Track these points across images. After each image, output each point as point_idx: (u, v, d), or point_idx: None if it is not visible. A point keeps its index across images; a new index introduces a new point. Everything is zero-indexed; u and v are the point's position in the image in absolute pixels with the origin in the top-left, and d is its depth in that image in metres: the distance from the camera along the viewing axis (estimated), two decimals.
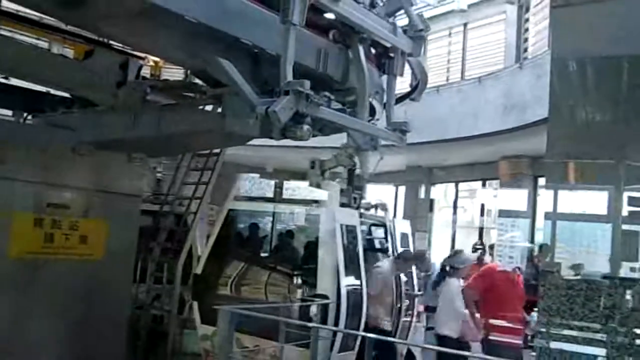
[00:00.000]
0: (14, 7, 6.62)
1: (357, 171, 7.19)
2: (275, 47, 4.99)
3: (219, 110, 5.80)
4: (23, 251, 6.19)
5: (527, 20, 13.96)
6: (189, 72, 7.39)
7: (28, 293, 6.19)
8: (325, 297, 6.18)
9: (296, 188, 7.37)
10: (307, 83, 4.60)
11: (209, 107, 6.31)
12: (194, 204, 8.71)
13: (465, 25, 15.86)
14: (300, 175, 7.49)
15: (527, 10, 13.93)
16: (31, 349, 6.17)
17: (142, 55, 7.52)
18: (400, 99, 7.09)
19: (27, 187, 6.28)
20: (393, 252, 7.63)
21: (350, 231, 6.55)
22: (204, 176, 8.59)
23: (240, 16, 5.01)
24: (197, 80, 6.74)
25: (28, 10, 6.48)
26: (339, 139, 7.05)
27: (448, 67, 16.38)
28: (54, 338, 6.37)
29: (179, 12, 4.53)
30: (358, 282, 6.49)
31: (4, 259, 6.04)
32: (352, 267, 6.43)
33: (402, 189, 18.75)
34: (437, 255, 16.87)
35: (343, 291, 6.23)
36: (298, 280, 7.11)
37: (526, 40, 13.86)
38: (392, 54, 6.37)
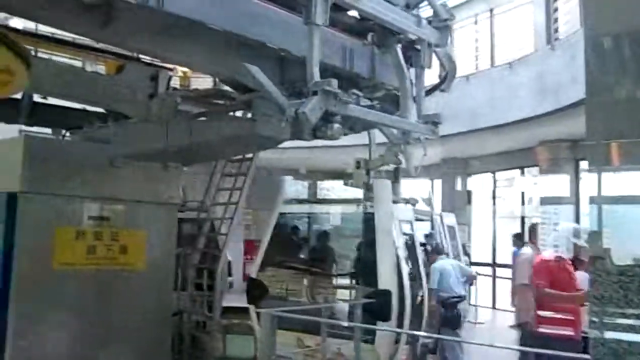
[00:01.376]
0: (49, 30, 6.83)
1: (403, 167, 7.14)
2: (301, 48, 5.01)
3: (249, 115, 5.85)
4: (66, 263, 6.36)
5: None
6: (217, 79, 7.49)
7: (72, 304, 6.35)
8: (388, 292, 6.17)
9: (331, 188, 7.38)
10: (335, 82, 4.62)
11: (239, 113, 6.37)
12: (229, 209, 8.79)
13: (491, 11, 15.62)
14: (334, 175, 7.48)
15: None
16: (76, 358, 6.33)
17: (171, 66, 7.65)
18: (430, 90, 7.04)
19: (68, 202, 6.45)
20: (441, 245, 7.56)
21: (407, 226, 6.59)
22: (238, 181, 8.66)
23: (264, 21, 5.06)
24: (226, 87, 6.82)
25: (62, 32, 6.66)
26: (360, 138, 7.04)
27: (477, 54, 16.15)
28: (99, 348, 6.52)
29: (203, 22, 4.59)
30: (418, 276, 6.51)
31: (48, 272, 6.21)
32: (412, 262, 6.47)
33: (437, 182, 18.56)
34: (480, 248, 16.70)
35: (406, 286, 6.24)
36: (354, 279, 7.11)
37: (556, 20, 13.55)
38: (418, 46, 6.32)
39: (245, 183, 8.62)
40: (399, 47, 6.06)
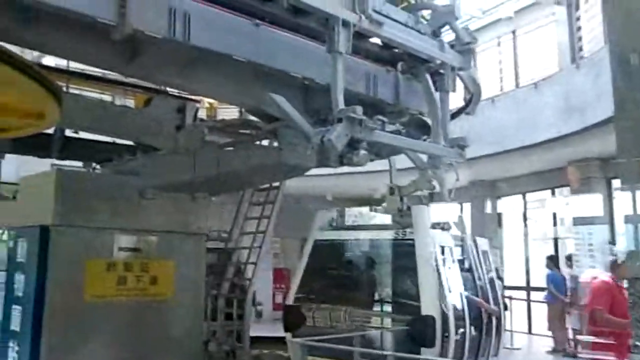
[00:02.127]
0: (79, 66, 7.02)
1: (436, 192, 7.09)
2: (325, 76, 5.05)
3: (275, 144, 5.89)
4: (97, 295, 6.41)
5: (578, 18, 13.57)
6: (243, 110, 7.58)
7: (104, 336, 6.39)
8: (431, 318, 6.09)
9: (359, 214, 7.35)
10: (360, 109, 4.63)
11: (265, 142, 6.42)
12: (257, 238, 8.81)
13: (513, 32, 15.58)
14: (361, 202, 7.45)
15: (577, 8, 13.56)
16: None
17: (198, 98, 7.77)
18: (456, 114, 7.01)
19: (98, 234, 6.54)
20: (475, 270, 7.42)
21: (447, 252, 6.52)
22: (265, 210, 8.69)
23: (288, 51, 5.12)
24: (252, 117, 6.89)
25: (92, 68, 6.84)
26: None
27: (501, 76, 16.08)
28: None
29: (228, 54, 4.66)
30: (461, 300, 6.41)
31: (80, 304, 6.27)
32: (453, 286, 6.37)
33: (467, 206, 18.34)
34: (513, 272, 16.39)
35: (450, 311, 6.15)
36: (393, 306, 7.02)
37: (580, 38, 13.44)
38: (442, 71, 6.32)
39: (273, 211, 8.65)
40: (427, 74, 6.10)
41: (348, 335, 6.09)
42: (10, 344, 6.46)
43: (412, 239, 6.48)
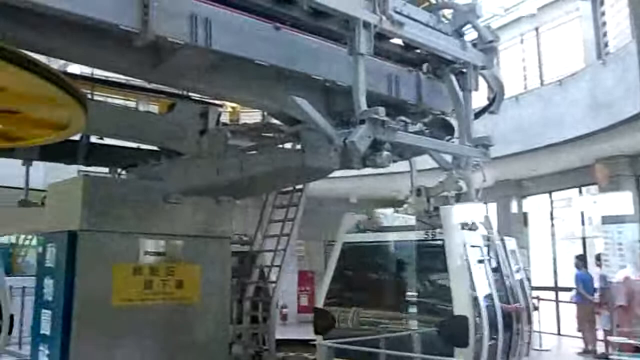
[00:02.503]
0: (103, 73, 7.12)
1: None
2: (346, 78, 5.04)
3: (298, 146, 5.89)
4: (125, 299, 6.48)
5: (603, 13, 13.34)
6: (266, 113, 7.60)
7: (131, 339, 6.45)
8: (464, 318, 6.05)
9: (383, 216, 7.31)
10: (382, 110, 4.61)
11: (288, 145, 6.42)
12: (281, 240, 8.82)
13: (537, 29, 15.38)
14: (385, 203, 7.41)
15: (602, 3, 13.33)
16: None
17: (220, 102, 7.82)
18: (479, 113, 6.95)
19: (125, 238, 6.61)
20: (503, 270, 7.34)
21: (476, 252, 6.47)
22: (289, 213, 8.70)
23: (309, 53, 5.12)
24: (274, 121, 6.91)
25: (115, 75, 6.93)
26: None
27: (525, 74, 15.89)
28: None
29: (249, 58, 4.68)
30: (492, 299, 6.36)
31: (107, 307, 6.35)
32: (484, 286, 6.33)
33: (492, 206, 18.15)
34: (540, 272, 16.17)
35: (484, 310, 6.11)
36: (421, 307, 6.97)
37: (605, 34, 13.21)
38: (464, 70, 6.28)
39: (297, 214, 8.65)
40: (452, 75, 6.08)
41: (377, 337, 6.06)
42: (41, 348, 6.57)
43: (442, 240, 6.43)
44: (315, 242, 18.43)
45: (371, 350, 5.76)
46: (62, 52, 4.82)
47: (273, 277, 8.84)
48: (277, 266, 8.77)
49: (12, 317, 6.56)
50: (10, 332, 6.55)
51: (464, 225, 6.52)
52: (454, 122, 6.55)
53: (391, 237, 7.03)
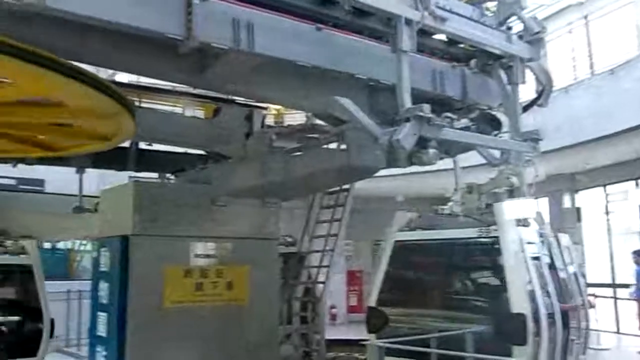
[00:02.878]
0: (150, 80, 7.28)
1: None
2: (390, 76, 5.00)
3: (343, 146, 5.88)
4: (176, 301, 6.61)
5: None
6: (309, 114, 7.62)
7: (183, 339, 6.57)
8: (522, 316, 5.95)
9: (433, 214, 7.21)
10: (427, 107, 4.56)
11: (332, 145, 6.42)
12: (329, 241, 8.82)
13: (585, 17, 14.93)
14: (433, 201, 7.32)
15: None
16: None
17: (264, 105, 7.88)
18: (528, 106, 6.79)
19: (175, 242, 6.74)
20: (558, 266, 7.15)
21: (531, 248, 6.35)
22: (336, 213, 8.69)
23: (352, 53, 5.11)
24: (318, 121, 6.91)
25: (161, 82, 7.08)
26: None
27: (574, 64, 15.43)
28: None
29: (292, 60, 4.70)
30: (549, 297, 6.23)
31: (159, 310, 6.48)
32: (542, 282, 6.20)
33: (543, 201, 17.70)
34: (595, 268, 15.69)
35: (542, 307, 6.00)
36: (476, 305, 6.87)
37: None
38: (510, 63, 6.14)
39: (344, 214, 8.64)
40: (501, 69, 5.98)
41: (430, 336, 5.99)
42: (98, 349, 6.77)
43: (497, 237, 6.32)
44: (363, 241, 18.38)
45: (424, 350, 5.70)
46: (109, 61, 4.95)
47: (321, 278, 8.85)
48: (325, 266, 8.78)
49: (52, 321, 6.77)
50: (51, 336, 6.76)
51: (518, 222, 6.38)
52: (501, 116, 6.41)
53: (443, 234, 6.93)
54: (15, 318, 7.09)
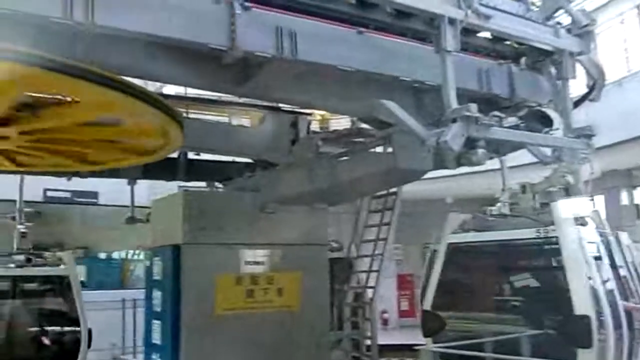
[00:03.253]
0: (196, 91, 7.42)
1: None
2: (435, 77, 4.93)
3: (390, 150, 5.83)
4: (228, 308, 6.69)
5: None
6: (355, 118, 7.60)
7: (235, 346, 6.64)
8: (586, 318, 5.78)
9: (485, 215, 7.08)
10: (474, 107, 4.47)
11: (379, 149, 6.38)
12: (378, 245, 8.77)
13: (638, 7, 14.42)
14: (483, 202, 7.17)
15: None
16: None
17: (309, 111, 7.90)
18: (579, 101, 6.59)
19: (226, 250, 6.82)
20: (620, 266, 6.91)
21: (592, 248, 6.18)
22: (384, 217, 8.64)
23: (395, 55, 5.06)
24: (364, 125, 6.88)
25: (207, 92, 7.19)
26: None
27: (627, 56, 14.91)
28: None
29: (335, 65, 4.69)
30: (613, 297, 6.03)
31: (211, 317, 6.57)
32: (603, 283, 6.02)
33: (599, 198, 17.14)
34: None
35: (605, 309, 5.82)
36: (535, 307, 6.71)
37: None
38: (559, 58, 5.98)
39: (393, 218, 8.58)
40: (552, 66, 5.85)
41: (488, 340, 5.87)
42: (153, 356, 6.91)
43: (556, 237, 6.14)
44: (412, 245, 18.20)
45: (480, 355, 5.58)
46: (158, 75, 5.05)
47: (371, 282, 8.80)
48: (375, 271, 8.73)
49: (90, 331, 6.89)
50: (89, 346, 6.87)
51: (576, 220, 6.19)
52: (551, 113, 6.23)
53: (499, 236, 6.78)
54: (54, 329, 7.23)
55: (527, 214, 6.38)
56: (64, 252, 7.52)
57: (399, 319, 18.44)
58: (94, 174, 7.34)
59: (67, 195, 13.61)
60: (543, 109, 6.49)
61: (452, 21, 4.62)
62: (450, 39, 4.57)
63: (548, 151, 6.43)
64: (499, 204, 6.90)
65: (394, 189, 8.45)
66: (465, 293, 7.33)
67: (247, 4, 4.22)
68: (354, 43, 4.82)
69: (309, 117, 7.87)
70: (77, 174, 7.23)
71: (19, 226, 7.82)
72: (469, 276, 7.63)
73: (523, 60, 6.11)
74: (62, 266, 7.27)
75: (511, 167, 7.81)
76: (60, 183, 8.30)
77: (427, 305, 7.00)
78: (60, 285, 7.27)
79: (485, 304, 6.98)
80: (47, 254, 7.51)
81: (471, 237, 6.92)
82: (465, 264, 7.56)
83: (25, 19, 3.47)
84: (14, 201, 8.27)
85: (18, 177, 8.07)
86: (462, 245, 7.12)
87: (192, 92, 7.88)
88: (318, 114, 9.55)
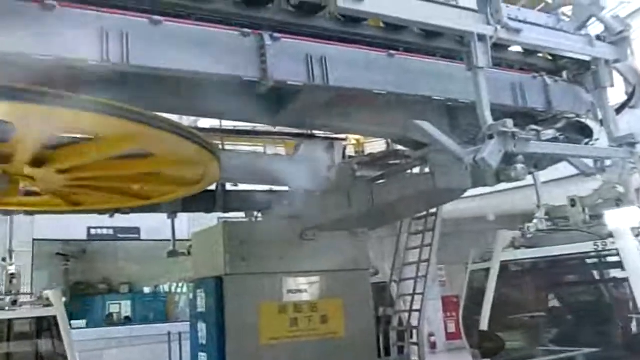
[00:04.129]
0: (231, 123, 7.53)
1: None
2: (468, 94, 4.89)
3: (427, 170, 5.79)
4: (272, 337, 6.66)
5: None
6: (389, 141, 7.58)
7: None
8: None
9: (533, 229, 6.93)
10: (510, 122, 4.41)
11: (416, 170, 6.33)
12: (421, 267, 8.66)
13: None
14: (525, 218, 7.03)
15: None
16: None
17: (344, 136, 7.92)
18: (618, 110, 6.44)
19: (268, 279, 6.83)
20: None
21: None
22: (426, 238, 8.54)
23: (426, 75, 5.05)
24: (399, 147, 6.85)
25: (242, 124, 7.29)
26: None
27: None
28: None
29: (367, 89, 4.70)
30: None
31: (257, 347, 6.55)
32: None
33: None
34: None
35: None
36: (597, 323, 6.49)
37: None
38: (594, 67, 5.87)
39: (434, 238, 8.47)
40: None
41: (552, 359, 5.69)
42: None
43: (616, 249, 5.95)
44: (456, 265, 17.89)
45: None
46: (192, 109, 5.14)
47: (416, 306, 8.67)
48: (419, 294, 8.60)
49: None
50: None
51: (633, 231, 6.01)
52: (591, 123, 6.11)
53: (554, 251, 6.61)
54: None
55: (579, 228, 6.22)
56: (51, 291, 7.37)
57: (446, 341, 18.06)
58: (134, 210, 7.47)
59: (110, 232, 13.92)
60: (582, 120, 6.38)
61: (481, 37, 4.59)
62: (481, 56, 4.54)
63: (590, 162, 6.29)
64: (534, 221, 6.75)
65: (433, 209, 8.36)
66: (521, 310, 7.13)
67: (276, 34, 4.28)
68: (385, 66, 4.83)
69: (344, 142, 7.89)
70: (119, 210, 7.37)
71: (9, 267, 7.75)
72: (523, 293, 7.43)
73: (564, 74, 6.03)
74: (49, 307, 7.08)
75: (552, 181, 7.66)
76: (104, 221, 8.45)
77: (484, 325, 6.82)
78: (48, 326, 7.10)
79: (542, 321, 6.78)
80: (33, 295, 7.45)
81: (525, 253, 6.75)
82: (519, 281, 7.38)
83: (61, 62, 3.56)
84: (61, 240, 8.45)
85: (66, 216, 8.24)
86: (515, 263, 6.95)
87: (226, 124, 8.00)
88: (353, 138, 9.56)
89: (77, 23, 3.56)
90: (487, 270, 6.93)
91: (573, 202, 6.43)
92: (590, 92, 6.00)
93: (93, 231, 13.86)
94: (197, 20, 4.12)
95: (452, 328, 18.36)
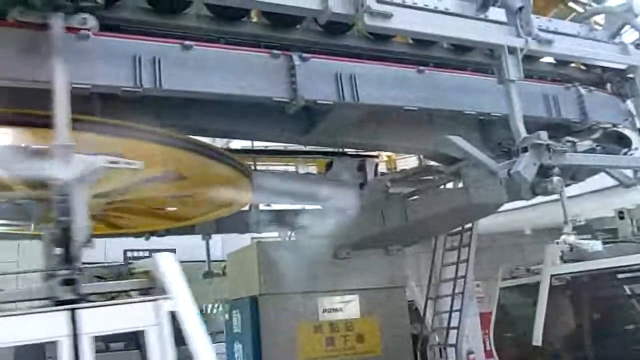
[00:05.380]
0: (263, 144, 7.59)
1: None
2: (500, 107, 4.84)
3: (461, 185, 5.72)
4: (309, 357, 6.61)
5: None
6: (422, 156, 7.53)
7: None
8: None
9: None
10: (544, 134, 4.33)
11: (449, 185, 6.27)
12: (458, 283, 8.51)
13: None
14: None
15: None
16: None
17: (376, 153, 7.90)
18: None
19: (303, 298, 6.80)
20: None
21: None
22: (462, 254, 8.40)
23: (457, 90, 5.01)
24: (431, 163, 6.80)
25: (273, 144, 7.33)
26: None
27: None
28: None
29: (397, 106, 4.68)
30: None
31: None
32: None
33: None
34: None
35: None
36: None
37: None
38: (630, 75, 5.75)
39: (470, 254, 8.34)
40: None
41: None
42: None
43: None
44: (493, 281, 17.54)
45: None
46: (226, 132, 5.20)
47: (454, 323, 8.51)
48: (457, 311, 8.45)
49: None
50: None
51: None
52: (629, 132, 5.97)
53: (606, 263, 6.44)
54: None
55: (630, 239, 6.07)
56: None
57: (486, 359, 17.68)
58: (170, 232, 7.55)
59: (146, 254, 14.07)
60: (619, 130, 6.24)
61: (512, 50, 4.54)
62: (512, 68, 4.48)
63: (630, 173, 6.13)
64: (563, 237, 6.57)
65: (469, 224, 8.24)
66: (574, 325, 6.94)
67: (305, 55, 4.30)
68: (415, 82, 4.81)
69: (375, 159, 7.86)
70: (154, 233, 7.46)
71: None
72: (575, 307, 7.23)
73: (608, 86, 5.93)
74: None
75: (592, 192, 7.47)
76: (140, 243, 8.55)
77: (537, 341, 6.64)
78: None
79: (596, 336, 6.58)
80: None
81: (573, 267, 6.58)
82: (572, 294, 7.18)
83: (95, 89, 3.64)
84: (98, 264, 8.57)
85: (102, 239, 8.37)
86: (565, 276, 6.77)
87: (258, 144, 8.06)
88: (384, 155, 9.53)
89: (110, 51, 3.64)
90: (518, 287, 6.79)
91: (621, 214, 6.28)
92: (621, 101, 5.87)
93: (129, 254, 14.04)
94: (226, 44, 4.18)
95: (489, 345, 17.99)
